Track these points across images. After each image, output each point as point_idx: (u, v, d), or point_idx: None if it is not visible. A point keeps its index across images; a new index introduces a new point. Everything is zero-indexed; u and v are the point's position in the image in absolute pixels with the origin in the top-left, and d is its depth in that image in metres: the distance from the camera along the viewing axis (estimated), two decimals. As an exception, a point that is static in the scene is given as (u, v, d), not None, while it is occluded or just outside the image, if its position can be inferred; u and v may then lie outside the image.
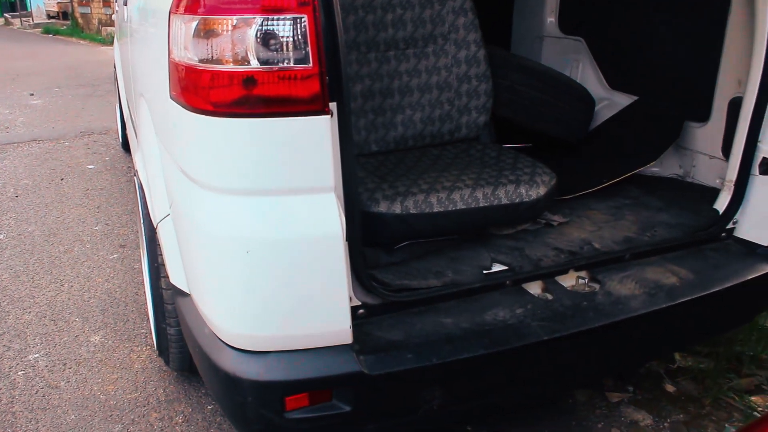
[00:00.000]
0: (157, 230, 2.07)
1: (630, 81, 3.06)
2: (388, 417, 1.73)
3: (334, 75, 1.49)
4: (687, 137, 2.70)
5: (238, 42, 1.41)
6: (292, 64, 1.43)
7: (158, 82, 1.82)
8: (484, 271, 1.95)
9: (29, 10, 23.78)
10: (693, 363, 2.63)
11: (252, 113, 1.43)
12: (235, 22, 1.41)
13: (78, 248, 3.76)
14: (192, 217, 1.61)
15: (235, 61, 1.42)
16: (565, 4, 3.44)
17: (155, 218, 2.07)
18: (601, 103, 3.15)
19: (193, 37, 1.46)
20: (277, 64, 1.42)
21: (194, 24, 1.45)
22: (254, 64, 1.41)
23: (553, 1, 3.47)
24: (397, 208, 1.95)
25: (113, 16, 5.54)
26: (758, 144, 2.18)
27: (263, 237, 1.50)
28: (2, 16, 24.41)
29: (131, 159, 4.86)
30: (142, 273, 3.36)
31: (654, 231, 2.24)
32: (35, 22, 22.52)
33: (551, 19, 3.48)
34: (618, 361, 2.12)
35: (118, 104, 5.40)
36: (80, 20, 20.24)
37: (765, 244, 2.24)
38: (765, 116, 2.16)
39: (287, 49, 1.42)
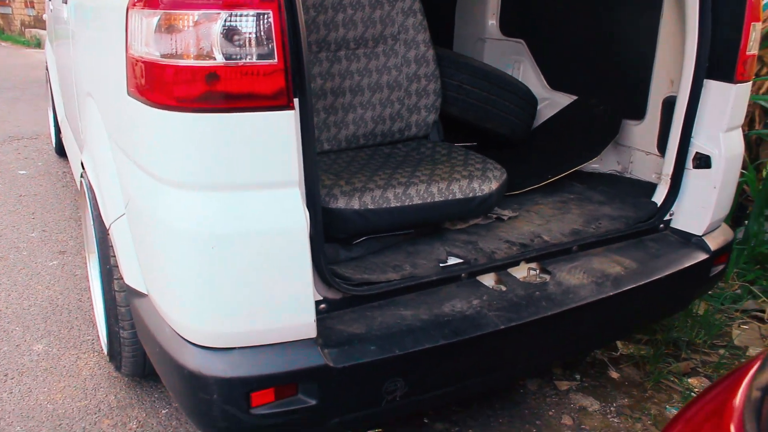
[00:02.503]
0: (109, 231, 2.03)
1: (569, 81, 3.17)
2: (352, 410, 1.75)
3: (297, 71, 1.51)
4: (625, 135, 2.82)
5: (203, 37, 1.41)
6: (255, 60, 1.44)
7: (112, 80, 1.80)
8: (441, 265, 1.99)
9: (-56, 11, 22.69)
10: (634, 350, 2.75)
11: (217, 108, 1.44)
12: (197, 17, 1.41)
13: (14, 256, 3.62)
14: (154, 214, 1.60)
15: (199, 57, 1.42)
16: (505, 6, 3.53)
17: (108, 219, 2.04)
18: (542, 103, 3.25)
19: (155, 32, 1.45)
20: (241, 59, 1.43)
21: (156, 19, 1.45)
22: (219, 59, 1.41)
23: (494, 3, 3.56)
24: (355, 204, 1.98)
25: (44, 16, 5.36)
26: (691, 140, 2.30)
27: (228, 232, 1.50)
28: None
29: (68, 164, 4.72)
30: (85, 279, 3.27)
31: (599, 223, 2.33)
32: (-49, 24, 21.49)
33: (492, 22, 3.57)
34: (569, 348, 2.21)
35: (51, 108, 5.23)
36: (0, 21, 19.45)
37: (699, 234, 2.37)
38: (696, 114, 2.29)
39: (251, 45, 1.43)
